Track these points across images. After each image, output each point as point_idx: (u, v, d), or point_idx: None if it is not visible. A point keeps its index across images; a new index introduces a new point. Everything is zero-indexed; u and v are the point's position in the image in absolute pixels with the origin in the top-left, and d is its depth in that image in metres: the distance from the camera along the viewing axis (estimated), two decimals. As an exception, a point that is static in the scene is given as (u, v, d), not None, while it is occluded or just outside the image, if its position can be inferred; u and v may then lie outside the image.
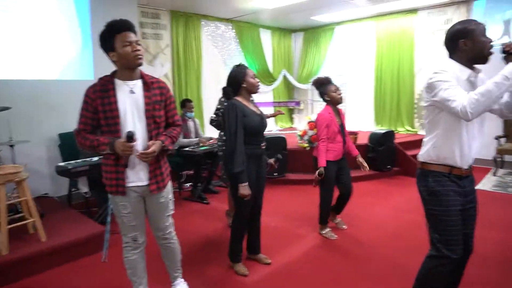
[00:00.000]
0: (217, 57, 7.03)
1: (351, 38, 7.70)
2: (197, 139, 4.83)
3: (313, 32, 8.24)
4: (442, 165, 1.79)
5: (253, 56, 7.62)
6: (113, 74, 1.97)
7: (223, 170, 3.94)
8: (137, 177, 2.00)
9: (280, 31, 8.35)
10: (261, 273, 2.75)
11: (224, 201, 4.19)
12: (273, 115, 4.70)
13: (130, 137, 1.83)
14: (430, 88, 1.73)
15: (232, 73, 2.64)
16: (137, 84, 1.97)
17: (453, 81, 1.67)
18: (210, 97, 6.54)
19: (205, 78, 6.78)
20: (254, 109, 2.63)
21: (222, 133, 3.63)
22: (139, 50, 1.90)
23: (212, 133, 6.36)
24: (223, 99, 3.42)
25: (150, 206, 2.12)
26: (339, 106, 3.39)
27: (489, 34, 1.71)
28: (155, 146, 1.94)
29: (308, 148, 5.32)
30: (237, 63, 2.72)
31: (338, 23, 7.75)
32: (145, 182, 2.02)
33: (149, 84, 1.99)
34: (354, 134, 5.73)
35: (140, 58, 1.91)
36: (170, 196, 2.21)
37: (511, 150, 5.41)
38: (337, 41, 7.94)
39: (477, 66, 1.77)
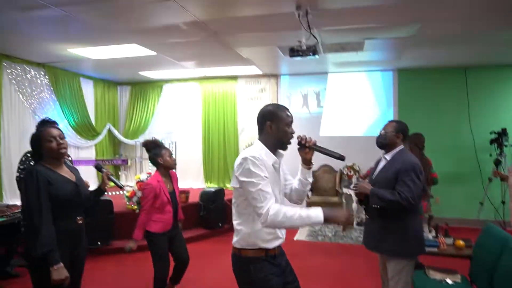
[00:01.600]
0: (24, 105, 5.89)
1: (179, 97, 7.84)
2: (-10, 208, 3.76)
3: (141, 87, 8.00)
4: (258, 249, 1.79)
5: (72, 107, 6.75)
6: None
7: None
8: None
9: (104, 83, 7.78)
10: None
11: (29, 285, 3.26)
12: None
13: None
14: (243, 174, 1.71)
15: (32, 135, 2.16)
16: None
17: (264, 173, 1.70)
18: (14, 152, 5.33)
19: (6, 129, 5.49)
20: (66, 175, 2.16)
21: None
22: None
23: (12, 198, 5.17)
24: (25, 157, 2.93)
25: None
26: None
27: (292, 108, 1.89)
28: None
29: (137, 211, 4.90)
30: (44, 118, 2.26)
31: (167, 81, 7.79)
32: None
33: None
34: (186, 192, 5.65)
35: None
36: None
37: (317, 203, 6.34)
38: (166, 99, 7.93)
39: (280, 151, 1.89)
